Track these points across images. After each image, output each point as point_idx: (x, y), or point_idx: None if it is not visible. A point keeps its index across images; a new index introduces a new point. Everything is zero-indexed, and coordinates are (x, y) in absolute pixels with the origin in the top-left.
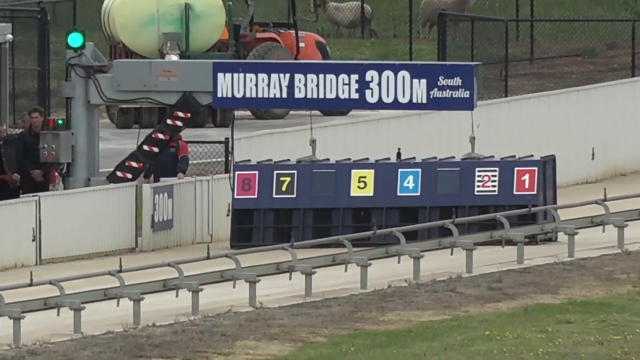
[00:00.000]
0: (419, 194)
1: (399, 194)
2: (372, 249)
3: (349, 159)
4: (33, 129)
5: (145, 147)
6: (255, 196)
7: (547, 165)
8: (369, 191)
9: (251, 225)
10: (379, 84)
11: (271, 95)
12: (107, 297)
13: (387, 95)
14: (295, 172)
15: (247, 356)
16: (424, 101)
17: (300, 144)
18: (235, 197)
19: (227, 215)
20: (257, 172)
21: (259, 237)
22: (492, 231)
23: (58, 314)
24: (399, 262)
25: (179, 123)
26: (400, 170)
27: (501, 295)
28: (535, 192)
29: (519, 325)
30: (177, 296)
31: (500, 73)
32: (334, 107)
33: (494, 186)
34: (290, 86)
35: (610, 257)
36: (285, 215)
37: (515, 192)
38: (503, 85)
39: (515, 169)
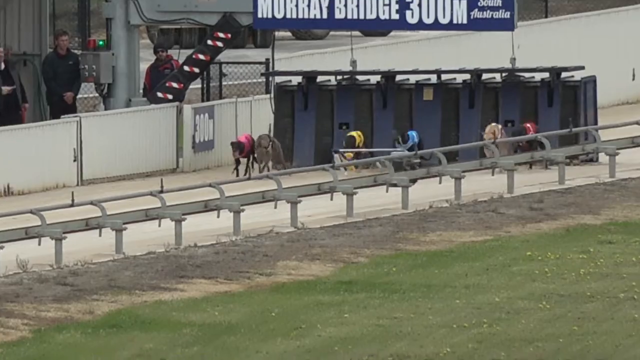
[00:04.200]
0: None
1: None
2: (413, 170)
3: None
4: (59, 51)
5: (186, 68)
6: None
7: (587, 86)
8: None
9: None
10: (420, 5)
11: (311, 16)
12: (148, 218)
13: (428, 16)
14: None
15: (289, 276)
16: (464, 22)
17: (340, 64)
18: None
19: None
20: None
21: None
22: (533, 152)
23: (100, 235)
24: (440, 183)
25: (219, 44)
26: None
27: (542, 215)
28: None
29: (560, 245)
30: (218, 217)
31: None
32: (374, 28)
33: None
34: (331, 7)
35: None
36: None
37: None
38: (543, 6)
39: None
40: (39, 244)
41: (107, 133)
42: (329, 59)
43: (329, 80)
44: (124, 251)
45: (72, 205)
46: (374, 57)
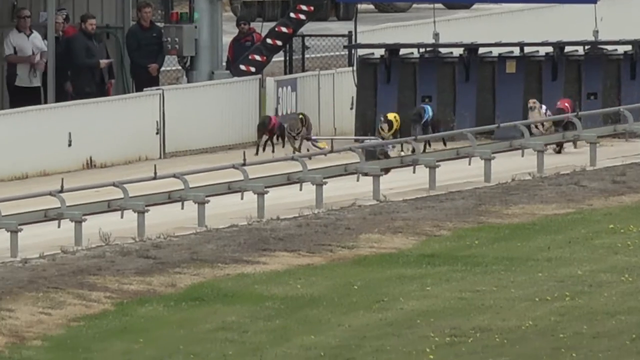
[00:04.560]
0: None
1: None
2: (496, 142)
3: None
4: (143, 23)
5: (269, 41)
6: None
7: None
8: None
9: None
10: None
11: None
12: (230, 191)
13: None
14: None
15: (371, 249)
16: None
17: (423, 37)
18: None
19: (351, 108)
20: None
21: None
22: (615, 125)
23: (182, 207)
24: (522, 156)
25: (302, 16)
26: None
27: (625, 188)
28: None
29: None
30: (301, 189)
31: None
32: (458, 1)
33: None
34: None
35: None
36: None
37: None
38: None
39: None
40: (122, 217)
41: (189, 106)
42: (411, 32)
43: (412, 53)
44: (206, 224)
45: (154, 178)
46: (457, 30)
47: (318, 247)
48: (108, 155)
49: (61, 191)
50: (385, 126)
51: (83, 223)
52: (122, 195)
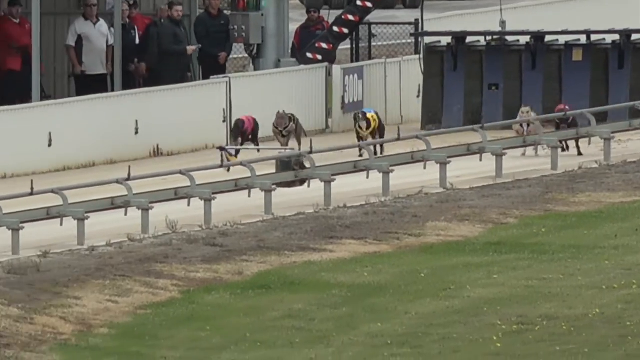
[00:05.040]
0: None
1: None
2: (562, 131)
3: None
4: (211, 10)
5: (335, 29)
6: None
7: None
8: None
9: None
10: None
11: None
12: (297, 179)
13: None
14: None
15: (438, 237)
16: None
17: (489, 25)
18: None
19: (418, 96)
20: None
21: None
22: None
23: (249, 196)
24: (589, 144)
25: (368, 4)
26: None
27: None
28: None
29: None
30: (367, 177)
31: None
32: None
33: None
34: None
35: None
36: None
37: None
38: None
39: None
40: (189, 205)
41: (256, 94)
42: (478, 20)
43: (478, 41)
44: (272, 212)
45: (221, 166)
46: (523, 17)
47: (385, 234)
48: (175, 143)
49: (128, 179)
50: (364, 124)
51: (150, 211)
52: (189, 183)
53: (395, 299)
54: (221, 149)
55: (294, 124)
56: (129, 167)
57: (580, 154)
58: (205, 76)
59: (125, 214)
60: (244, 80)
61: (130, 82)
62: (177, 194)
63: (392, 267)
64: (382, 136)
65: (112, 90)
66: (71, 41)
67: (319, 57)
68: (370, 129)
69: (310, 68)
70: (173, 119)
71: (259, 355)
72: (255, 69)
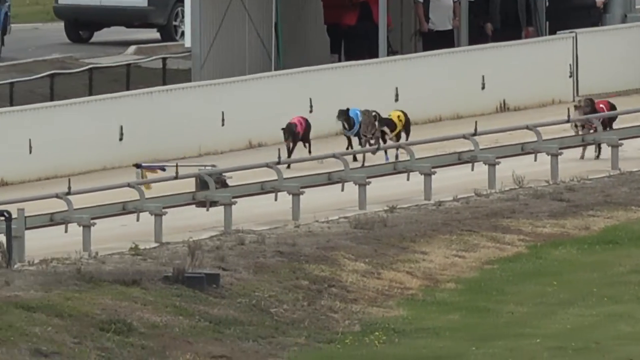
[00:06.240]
0: None
1: None
2: None
3: None
4: None
5: None
6: None
7: None
8: None
9: None
10: None
11: None
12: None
13: None
14: None
15: None
16: None
17: None
18: None
19: None
20: None
21: None
22: None
23: (597, 156)
24: None
25: None
26: None
27: None
28: None
29: None
30: None
31: None
32: None
33: None
34: None
35: None
36: None
37: None
38: None
39: None
40: (535, 160)
41: (602, 49)
42: None
43: None
44: (619, 167)
45: (567, 121)
46: None
47: None
48: (521, 98)
49: (474, 134)
50: (386, 128)
51: (497, 166)
52: (535, 138)
53: None
54: (137, 165)
55: (377, 126)
56: (476, 122)
57: None
58: (552, 31)
59: (472, 169)
60: (590, 35)
61: (477, 37)
62: (523, 149)
63: None
64: (408, 135)
65: (459, 46)
66: None
67: None
68: (396, 131)
69: None
70: (519, 74)
71: (606, 310)
72: (601, 24)
